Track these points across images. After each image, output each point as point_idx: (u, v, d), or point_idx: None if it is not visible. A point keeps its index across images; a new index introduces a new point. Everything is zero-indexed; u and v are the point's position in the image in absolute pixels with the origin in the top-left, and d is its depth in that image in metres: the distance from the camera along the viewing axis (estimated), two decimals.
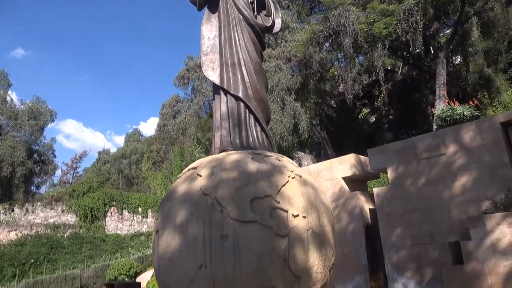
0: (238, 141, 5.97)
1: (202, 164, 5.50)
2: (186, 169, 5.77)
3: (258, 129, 6.10)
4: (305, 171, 5.88)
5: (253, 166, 5.21)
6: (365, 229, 8.94)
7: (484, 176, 7.19)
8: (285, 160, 5.71)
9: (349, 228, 9.16)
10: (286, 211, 4.79)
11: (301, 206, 4.95)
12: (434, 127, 14.20)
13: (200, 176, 5.19)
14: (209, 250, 4.57)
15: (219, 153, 5.92)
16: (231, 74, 6.13)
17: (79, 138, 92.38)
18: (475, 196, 7.20)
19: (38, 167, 26.89)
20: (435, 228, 7.64)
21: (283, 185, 5.02)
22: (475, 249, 5.93)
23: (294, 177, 5.27)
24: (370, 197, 9.52)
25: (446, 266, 6.23)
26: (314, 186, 5.55)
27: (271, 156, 5.58)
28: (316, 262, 4.90)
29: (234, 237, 4.56)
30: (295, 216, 4.83)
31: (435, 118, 11.03)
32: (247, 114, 6.05)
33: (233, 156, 5.49)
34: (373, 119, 26.17)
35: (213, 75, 6.34)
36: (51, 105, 51.51)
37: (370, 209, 9.27)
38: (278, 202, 4.82)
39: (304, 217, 4.91)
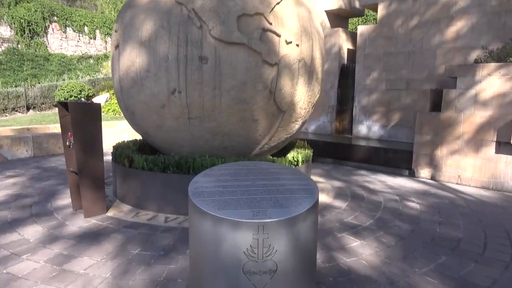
0: None
1: None
2: None
3: None
4: None
5: None
6: (340, 70, 8.50)
7: (482, 22, 6.58)
8: None
9: (324, 67, 8.65)
10: (279, 36, 3.97)
11: (295, 32, 4.13)
12: None
13: None
14: (184, 73, 3.81)
15: None
16: None
17: None
18: (467, 44, 6.74)
19: None
20: (415, 74, 7.35)
21: (277, 3, 4.05)
22: (456, 97, 5.76)
23: None
24: (351, 36, 8.79)
25: (421, 112, 6.14)
26: (309, 9, 4.62)
27: None
28: (302, 97, 4.41)
29: (215, 60, 3.78)
30: (288, 43, 4.05)
31: None
32: None
33: None
34: None
35: None
36: None
37: (348, 49, 8.66)
38: (271, 24, 3.93)
39: (297, 45, 4.15)
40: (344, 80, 8.48)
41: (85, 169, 3.86)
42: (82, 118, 3.77)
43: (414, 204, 4.66)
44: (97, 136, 3.91)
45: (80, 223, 3.78)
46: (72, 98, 13.74)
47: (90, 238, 3.40)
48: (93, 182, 3.94)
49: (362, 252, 3.20)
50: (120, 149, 4.70)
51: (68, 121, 3.94)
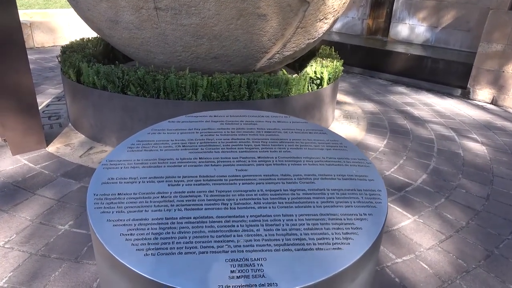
0: None
1: None
2: None
3: None
4: None
5: None
6: None
7: None
8: None
9: None
10: None
11: None
12: None
13: None
14: None
15: None
16: None
17: None
18: None
19: None
20: None
21: None
22: None
23: None
24: None
25: (496, 10, 4.42)
26: None
27: None
28: None
29: None
30: None
31: None
32: None
33: None
34: None
35: None
36: None
37: None
38: None
39: None
40: None
41: None
42: None
43: (478, 146, 3.36)
44: (12, 30, 2.50)
45: (3, 164, 2.62)
46: None
47: (6, 196, 2.26)
48: (18, 103, 2.66)
49: (419, 243, 2.03)
50: (68, 53, 3.29)
51: None
